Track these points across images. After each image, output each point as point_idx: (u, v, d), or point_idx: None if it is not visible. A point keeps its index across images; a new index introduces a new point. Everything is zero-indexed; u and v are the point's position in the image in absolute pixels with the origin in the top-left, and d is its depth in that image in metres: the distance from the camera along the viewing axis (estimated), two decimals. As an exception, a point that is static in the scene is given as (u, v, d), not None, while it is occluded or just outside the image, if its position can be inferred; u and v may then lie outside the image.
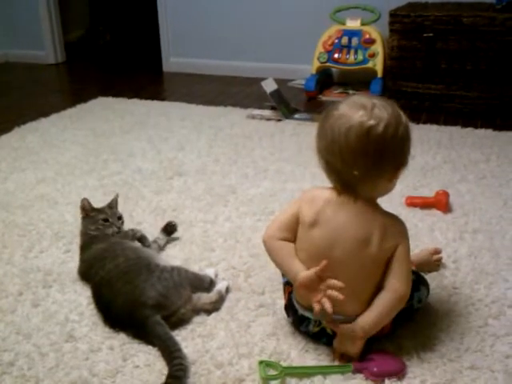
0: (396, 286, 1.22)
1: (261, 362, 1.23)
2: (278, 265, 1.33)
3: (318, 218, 1.23)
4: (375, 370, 1.21)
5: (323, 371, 1.23)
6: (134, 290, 1.38)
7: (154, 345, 1.31)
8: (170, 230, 1.81)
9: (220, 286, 1.51)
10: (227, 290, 1.51)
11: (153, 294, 1.36)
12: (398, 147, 1.19)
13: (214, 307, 1.45)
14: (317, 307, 1.19)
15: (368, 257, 1.21)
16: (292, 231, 1.29)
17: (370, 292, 1.24)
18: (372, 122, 1.14)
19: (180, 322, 1.39)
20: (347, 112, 1.16)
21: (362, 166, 1.16)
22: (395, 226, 1.25)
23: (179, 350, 1.26)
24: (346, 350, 1.24)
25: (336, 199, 1.24)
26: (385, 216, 1.25)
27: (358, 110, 1.15)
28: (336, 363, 1.25)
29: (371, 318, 1.22)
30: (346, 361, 1.24)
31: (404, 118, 1.19)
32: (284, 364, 1.25)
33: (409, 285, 1.24)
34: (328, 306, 1.18)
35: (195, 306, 1.43)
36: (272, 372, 1.22)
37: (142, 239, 1.70)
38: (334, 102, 1.24)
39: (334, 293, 1.17)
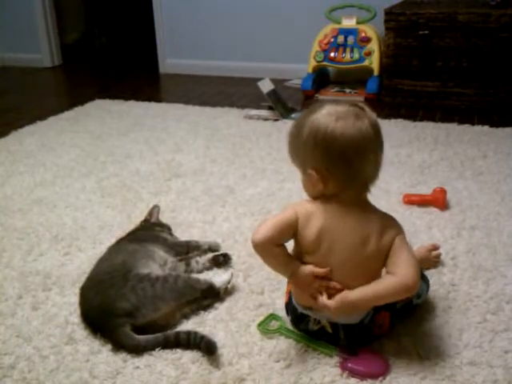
0: (407, 274, 1.17)
1: (270, 315, 1.39)
2: (272, 266, 1.29)
3: (323, 234, 1.21)
4: (349, 365, 1.23)
5: (310, 344, 1.30)
6: (103, 301, 1.36)
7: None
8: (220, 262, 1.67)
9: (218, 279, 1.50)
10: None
11: (123, 305, 1.33)
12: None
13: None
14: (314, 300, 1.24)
15: (367, 255, 1.21)
16: (285, 237, 1.24)
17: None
18: (373, 129, 1.18)
19: (162, 329, 1.37)
20: (349, 124, 1.16)
21: (378, 166, 1.22)
22: (390, 221, 1.25)
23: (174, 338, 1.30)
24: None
25: (333, 208, 1.22)
26: (380, 213, 1.26)
27: (358, 121, 1.16)
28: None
29: (364, 293, 1.20)
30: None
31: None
32: (286, 325, 1.36)
33: (418, 273, 1.19)
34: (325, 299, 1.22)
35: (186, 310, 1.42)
36: (274, 325, 1.37)
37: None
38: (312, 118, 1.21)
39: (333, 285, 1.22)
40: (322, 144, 1.17)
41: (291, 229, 1.23)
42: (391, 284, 1.19)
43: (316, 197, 1.26)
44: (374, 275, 1.24)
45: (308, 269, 1.22)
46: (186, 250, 1.69)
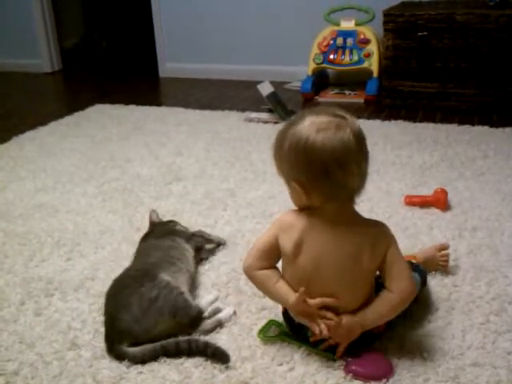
0: (402, 288, 1.21)
1: (270, 321, 1.38)
2: (264, 293, 1.34)
3: (301, 245, 1.21)
4: (352, 367, 1.22)
5: (310, 349, 1.29)
6: (112, 309, 1.36)
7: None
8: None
9: (222, 314, 1.43)
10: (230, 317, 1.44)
11: (124, 317, 1.32)
12: None
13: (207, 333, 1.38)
14: (316, 331, 1.23)
15: (361, 272, 1.22)
16: (270, 258, 1.28)
17: (362, 300, 1.24)
18: (356, 139, 1.15)
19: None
20: (329, 136, 1.13)
21: (363, 177, 1.19)
22: (380, 231, 1.24)
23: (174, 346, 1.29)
24: (338, 340, 1.24)
25: (316, 221, 1.22)
26: (368, 224, 1.24)
27: (340, 132, 1.13)
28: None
29: (372, 317, 1.22)
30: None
31: None
32: (286, 331, 1.35)
33: (412, 281, 1.23)
34: (325, 332, 1.21)
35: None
36: (274, 330, 1.37)
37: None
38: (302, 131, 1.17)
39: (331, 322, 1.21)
40: (303, 156, 1.15)
41: (275, 246, 1.26)
42: (392, 303, 1.22)
43: (303, 207, 1.25)
44: (368, 287, 1.25)
45: (294, 298, 1.23)
46: (203, 241, 1.74)
